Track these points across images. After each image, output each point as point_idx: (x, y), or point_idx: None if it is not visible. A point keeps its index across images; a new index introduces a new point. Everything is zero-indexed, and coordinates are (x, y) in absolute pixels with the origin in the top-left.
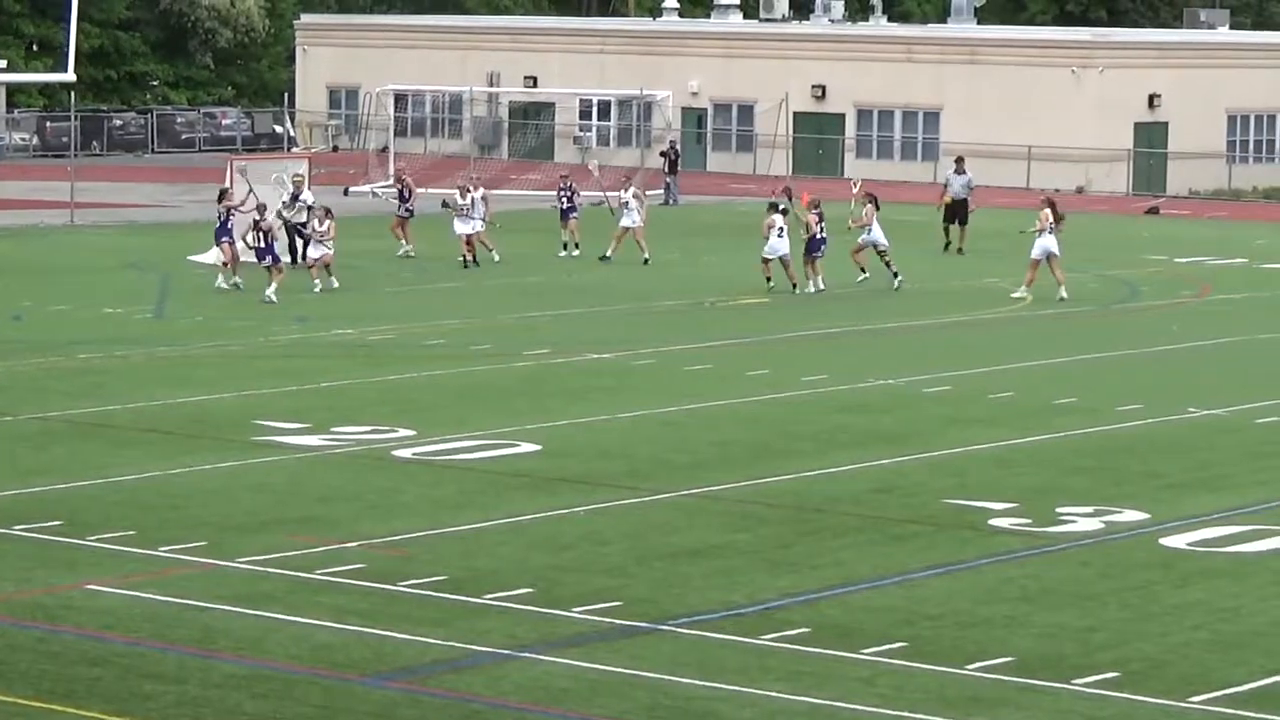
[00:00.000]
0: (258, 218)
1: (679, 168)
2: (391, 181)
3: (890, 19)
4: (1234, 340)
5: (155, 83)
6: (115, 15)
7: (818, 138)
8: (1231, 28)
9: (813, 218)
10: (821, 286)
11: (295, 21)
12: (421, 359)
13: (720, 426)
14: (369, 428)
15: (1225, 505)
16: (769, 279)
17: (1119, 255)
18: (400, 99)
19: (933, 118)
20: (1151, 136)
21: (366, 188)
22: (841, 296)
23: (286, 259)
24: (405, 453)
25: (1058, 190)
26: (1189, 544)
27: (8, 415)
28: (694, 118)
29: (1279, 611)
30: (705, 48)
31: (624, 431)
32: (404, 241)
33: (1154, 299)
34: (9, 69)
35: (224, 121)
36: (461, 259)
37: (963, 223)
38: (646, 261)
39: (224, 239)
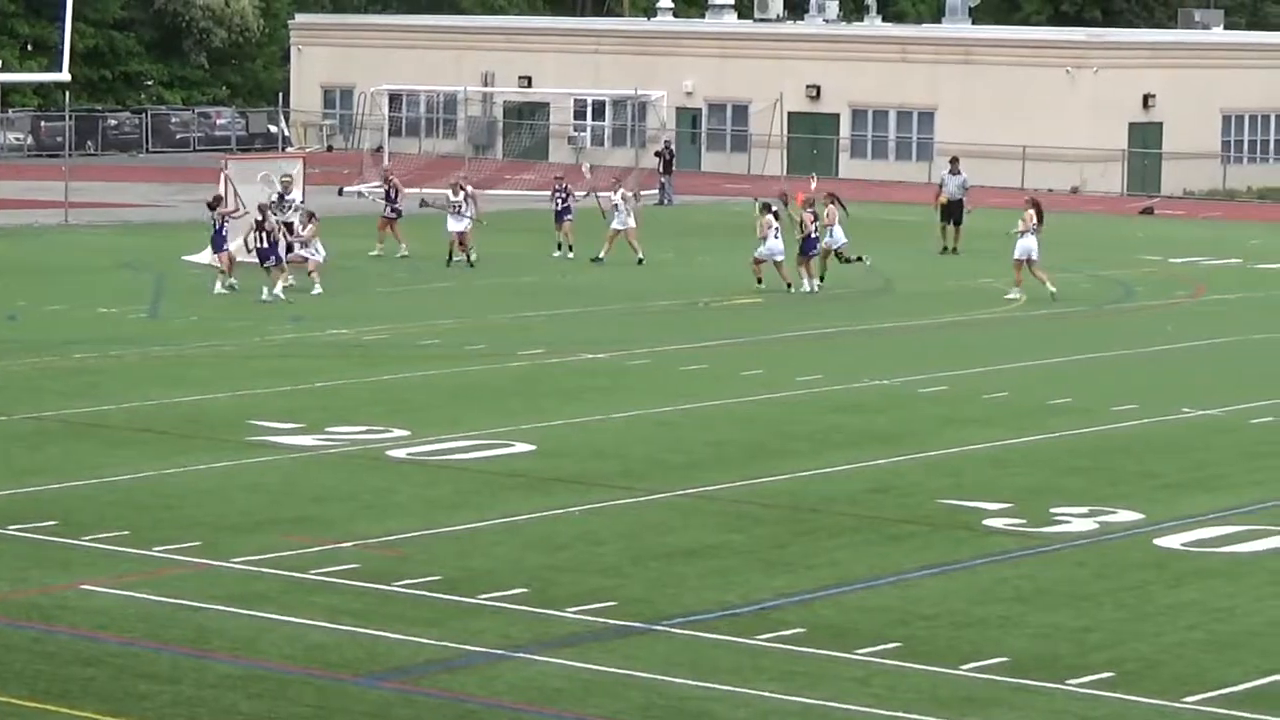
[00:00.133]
0: (259, 218)
1: (674, 168)
2: (380, 182)
3: (885, 19)
4: (1229, 340)
5: (150, 82)
6: (110, 15)
7: (812, 138)
8: (1226, 28)
9: (808, 216)
10: (817, 286)
11: (290, 21)
12: (416, 359)
13: (715, 426)
14: (363, 428)
15: (1220, 505)
16: (759, 280)
17: (1113, 255)
18: (395, 99)
19: (927, 118)
20: (1146, 137)
21: (358, 188)
22: (836, 297)
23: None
24: (400, 453)
25: (1051, 190)
26: (1184, 544)
27: (2, 415)
28: (689, 118)
29: (1274, 612)
30: (700, 48)
31: (619, 431)
32: (383, 243)
33: (1149, 299)
34: (3, 69)
35: (219, 121)
36: (447, 257)
37: (957, 223)
38: (640, 262)
39: (222, 248)
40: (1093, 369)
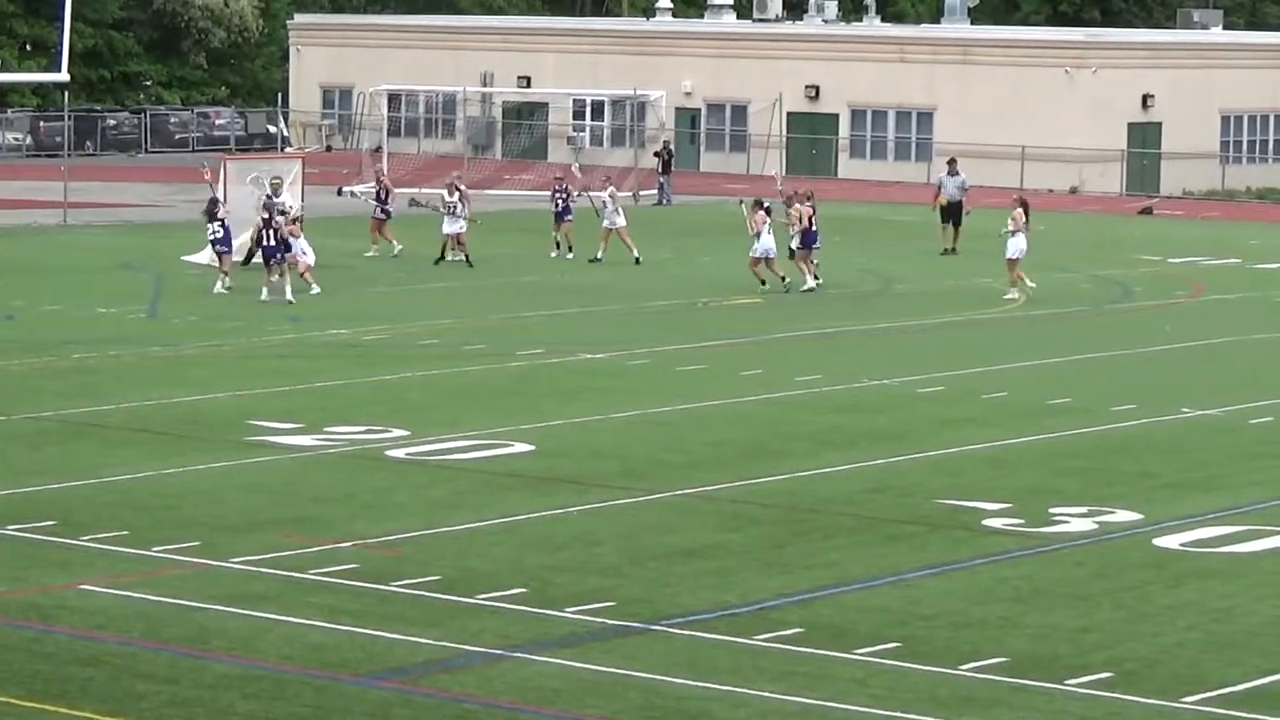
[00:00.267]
0: (266, 215)
1: (672, 168)
2: (374, 183)
3: (884, 19)
4: (1228, 340)
5: (149, 83)
6: (109, 15)
7: (811, 138)
8: (1225, 28)
9: (807, 210)
10: (816, 284)
11: (288, 21)
12: (415, 359)
13: (714, 427)
14: (362, 428)
15: (1219, 505)
16: (763, 282)
17: (1112, 255)
18: (394, 99)
19: (926, 118)
20: (1145, 137)
21: (353, 188)
22: (835, 296)
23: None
24: (399, 453)
25: (1050, 191)
26: (1183, 544)
27: (1, 415)
28: (687, 118)
29: (1272, 612)
30: (699, 48)
31: (617, 431)
32: (377, 244)
33: (1148, 299)
34: (2, 69)
35: (217, 121)
36: (438, 257)
37: (956, 223)
38: (638, 261)
39: (224, 249)
40: (1092, 369)
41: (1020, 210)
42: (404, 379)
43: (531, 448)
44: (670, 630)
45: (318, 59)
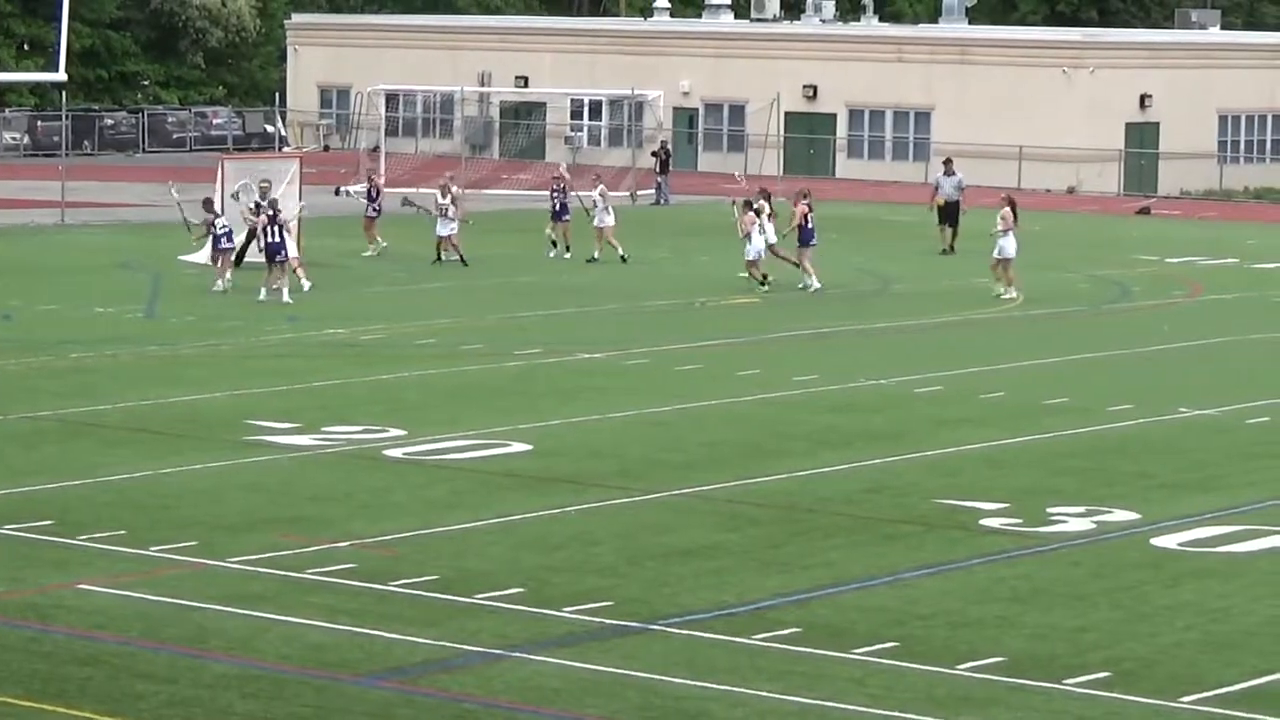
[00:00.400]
0: (270, 213)
1: (670, 168)
2: (364, 182)
3: (881, 19)
4: (1225, 340)
5: (146, 82)
6: (106, 15)
7: (809, 138)
8: (1223, 28)
9: (803, 207)
10: (818, 285)
11: (286, 21)
12: (412, 358)
13: (711, 426)
14: (360, 427)
15: (1217, 505)
16: (765, 278)
17: (1110, 255)
18: (391, 99)
19: (924, 118)
20: (1143, 137)
21: (348, 188)
22: (832, 296)
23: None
24: (396, 452)
25: (1048, 191)
26: (1180, 544)
27: None
28: (685, 118)
29: (1270, 611)
30: (696, 48)
31: (615, 431)
32: (373, 243)
33: (1145, 299)
34: (0, 68)
35: (215, 121)
36: (435, 256)
37: (954, 223)
38: (624, 259)
39: (225, 248)
40: (1089, 369)
41: (1008, 210)
42: (401, 379)
43: (529, 447)
44: (668, 630)
45: (315, 59)
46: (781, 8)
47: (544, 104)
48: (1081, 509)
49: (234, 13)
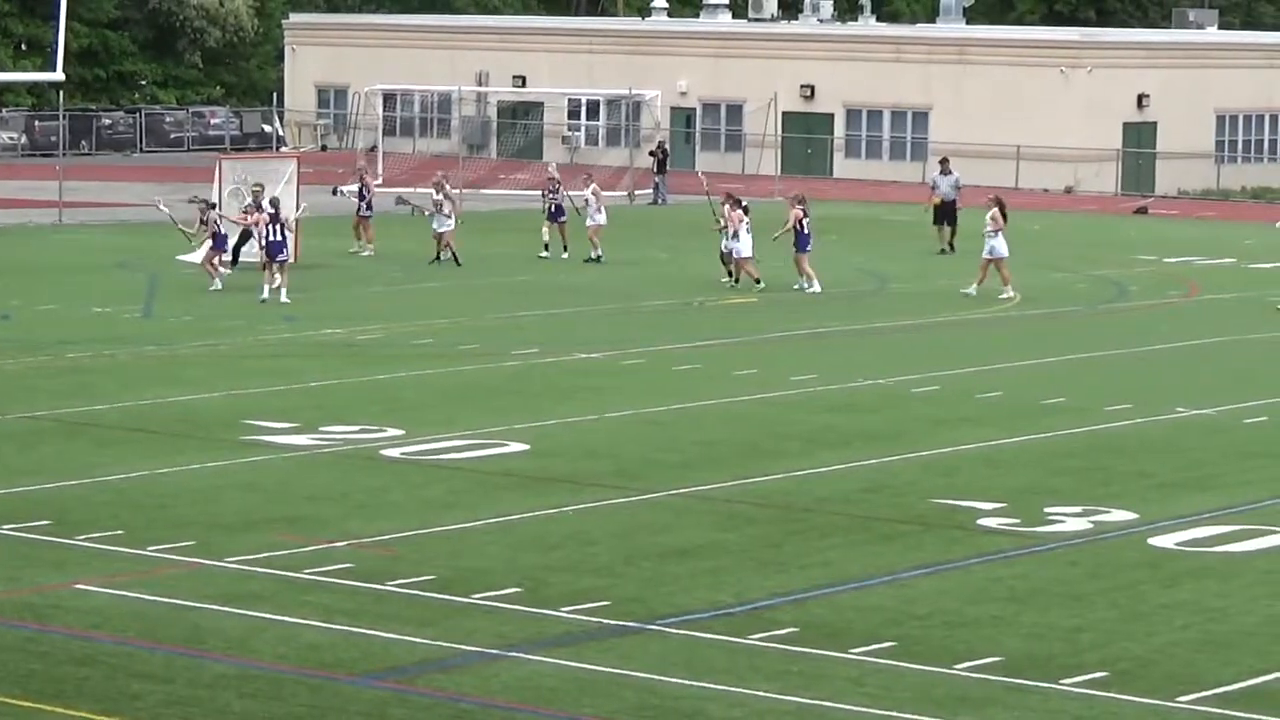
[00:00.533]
0: (272, 211)
1: (668, 167)
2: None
3: (879, 19)
4: (1222, 340)
5: (144, 82)
6: (104, 14)
7: (806, 137)
8: (1220, 28)
9: (798, 211)
10: (818, 288)
11: (284, 21)
12: (410, 358)
13: (708, 426)
14: (357, 427)
15: (1214, 505)
16: (757, 280)
17: (1107, 255)
18: (389, 98)
19: (921, 117)
20: (1140, 136)
21: (342, 188)
22: (830, 296)
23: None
24: (393, 452)
25: (1046, 190)
26: (1177, 544)
27: None
28: (683, 117)
29: (1267, 611)
30: (694, 47)
31: (612, 431)
32: (372, 242)
33: (1143, 299)
34: None
35: (212, 121)
36: (434, 256)
37: (951, 223)
38: (599, 259)
39: (223, 247)
40: (1086, 368)
41: (997, 210)
42: (399, 378)
43: (526, 447)
44: (665, 630)
45: (313, 58)
46: (779, 7)
47: (541, 104)
48: (1079, 509)
49: (232, 12)
